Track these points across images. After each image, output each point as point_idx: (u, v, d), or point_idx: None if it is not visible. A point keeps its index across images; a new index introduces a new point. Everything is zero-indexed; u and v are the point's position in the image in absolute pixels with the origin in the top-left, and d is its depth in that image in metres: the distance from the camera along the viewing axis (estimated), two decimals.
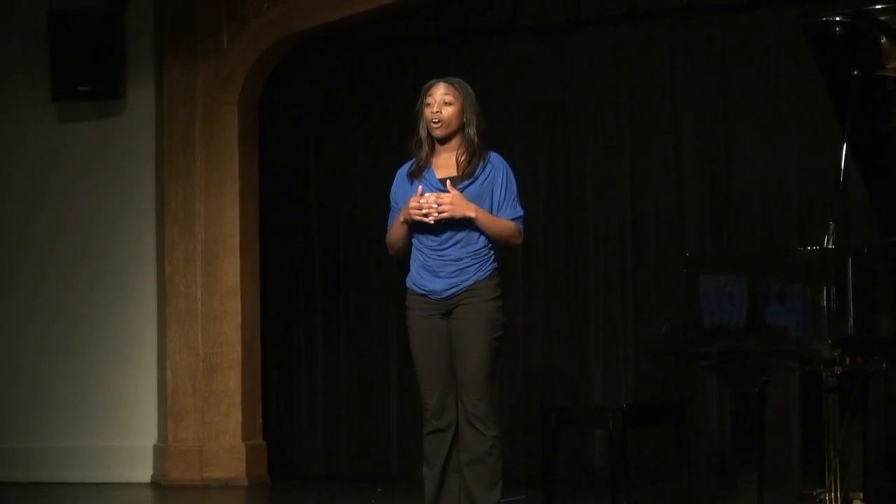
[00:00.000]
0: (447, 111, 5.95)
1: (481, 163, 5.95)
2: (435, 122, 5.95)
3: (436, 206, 5.84)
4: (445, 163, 6.00)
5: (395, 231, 6.03)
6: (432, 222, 5.86)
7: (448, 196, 5.86)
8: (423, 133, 6.02)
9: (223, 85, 9.09)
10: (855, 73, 6.04)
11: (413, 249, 6.02)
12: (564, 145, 8.73)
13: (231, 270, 9.03)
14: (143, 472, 9.22)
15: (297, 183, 9.33)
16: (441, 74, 6.16)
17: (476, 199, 5.92)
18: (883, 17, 5.96)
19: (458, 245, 5.92)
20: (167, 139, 9.18)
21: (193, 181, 9.10)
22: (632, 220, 8.52)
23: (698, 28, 8.45)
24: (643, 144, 8.54)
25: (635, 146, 8.55)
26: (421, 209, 5.85)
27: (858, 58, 6.04)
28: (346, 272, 9.18)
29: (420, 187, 5.91)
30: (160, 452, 9.14)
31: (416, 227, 5.94)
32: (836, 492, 6.28)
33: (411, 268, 6.03)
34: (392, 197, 6.09)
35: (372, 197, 8.79)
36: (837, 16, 5.98)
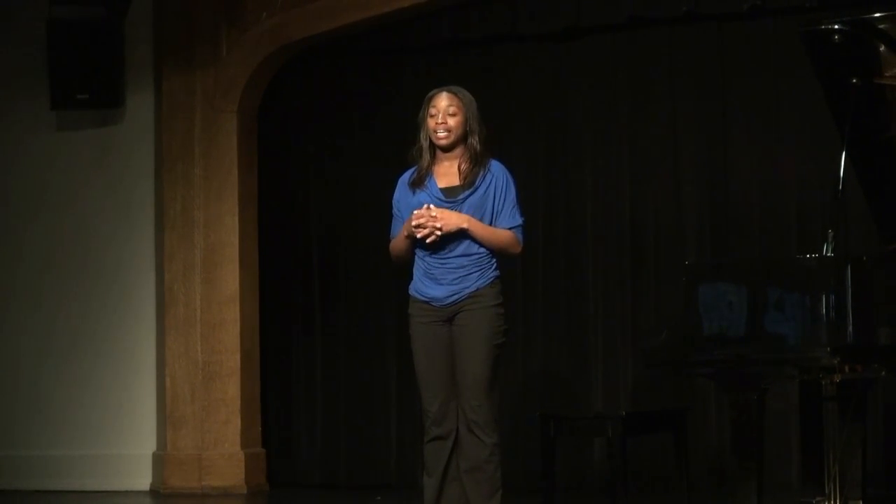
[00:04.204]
0: (452, 121, 5.98)
1: (482, 172, 5.97)
2: (440, 133, 5.96)
3: (431, 225, 5.86)
4: (447, 171, 6.02)
5: (399, 243, 6.06)
6: (429, 241, 5.89)
7: (437, 213, 5.88)
8: (424, 142, 6.03)
9: (222, 93, 9.09)
10: (854, 81, 6.04)
11: (415, 258, 6.04)
12: (563, 153, 8.73)
13: (230, 278, 9.03)
14: (143, 480, 9.22)
15: (296, 190, 9.33)
16: (440, 83, 6.18)
17: (477, 209, 5.94)
18: (882, 26, 5.96)
19: (460, 253, 5.93)
20: (166, 147, 9.18)
21: (192, 189, 9.10)
22: (631, 228, 8.53)
23: (697, 37, 8.46)
24: (642, 152, 8.55)
25: (634, 154, 8.56)
26: (422, 226, 5.87)
27: (857, 66, 6.04)
28: (345, 280, 9.19)
29: (415, 213, 5.93)
30: (159, 460, 9.13)
31: (419, 241, 5.96)
32: (835, 500, 6.28)
33: (414, 276, 6.05)
34: (395, 205, 6.12)
35: (371, 204, 8.80)
36: (836, 24, 5.98)
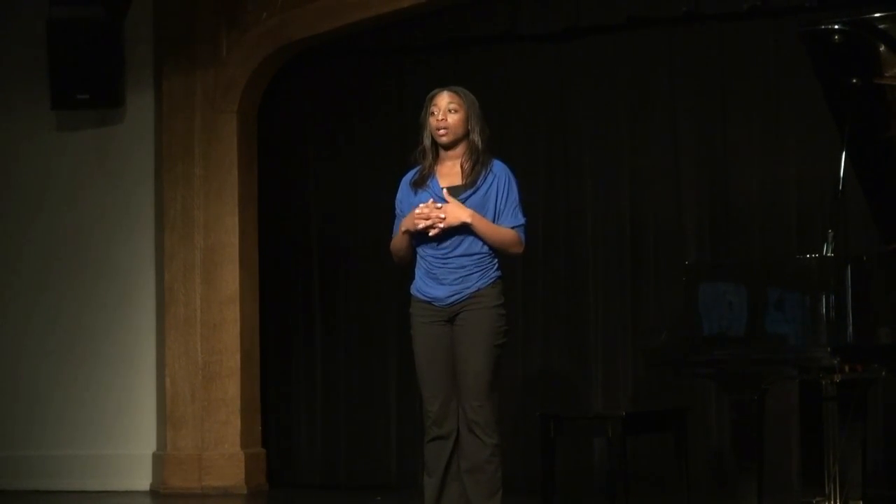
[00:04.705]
0: (452, 118, 5.99)
1: (484, 171, 5.98)
2: (440, 130, 5.97)
3: (435, 216, 5.86)
4: (449, 171, 6.03)
5: (398, 240, 6.06)
6: (432, 234, 5.89)
7: (444, 206, 5.89)
8: (426, 142, 6.05)
9: (222, 93, 9.09)
10: (853, 81, 6.05)
11: (417, 257, 6.05)
12: (563, 153, 8.74)
13: (230, 278, 9.03)
14: (142, 480, 9.22)
15: (296, 191, 9.33)
16: (440, 83, 6.19)
17: (478, 208, 5.95)
18: (881, 26, 5.96)
19: (462, 252, 5.94)
20: (166, 147, 9.18)
21: (192, 189, 9.10)
22: (631, 229, 8.53)
23: (697, 36, 8.46)
24: (642, 152, 8.55)
25: (634, 154, 8.56)
26: (426, 218, 5.87)
27: (857, 66, 6.04)
28: (346, 280, 9.19)
29: (421, 205, 5.94)
30: (159, 460, 9.13)
31: (419, 237, 5.96)
32: (835, 500, 6.29)
33: (416, 275, 6.06)
34: (397, 205, 6.12)
35: (371, 204, 8.81)
36: (836, 24, 5.98)
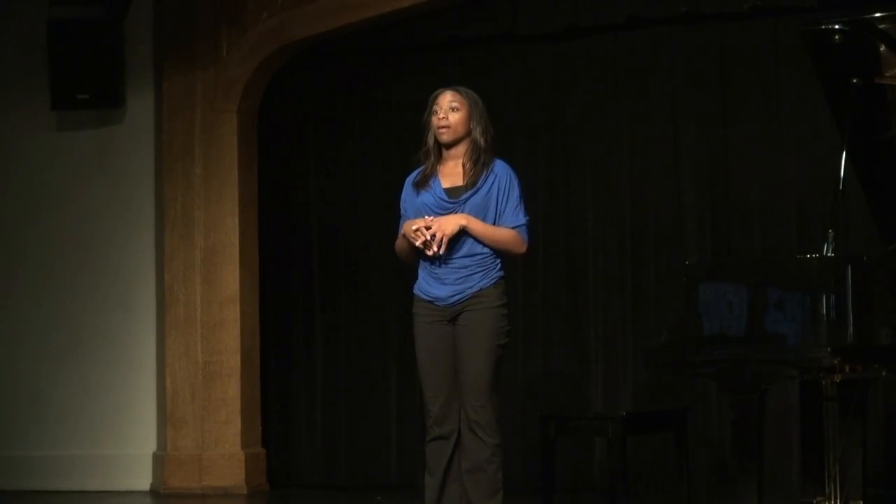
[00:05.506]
0: (454, 117, 5.99)
1: (485, 171, 5.98)
2: (442, 128, 5.98)
3: (431, 238, 5.86)
4: (451, 171, 6.03)
5: (403, 244, 6.06)
6: (432, 253, 5.89)
7: (433, 225, 5.87)
8: (430, 142, 6.05)
9: (223, 93, 9.09)
10: (854, 81, 6.05)
11: (420, 257, 6.04)
12: (563, 153, 8.74)
13: (230, 278, 9.03)
14: (143, 480, 9.22)
15: (296, 191, 9.33)
16: (440, 83, 6.19)
17: (479, 208, 5.94)
18: (882, 26, 5.97)
19: (464, 253, 5.94)
20: (166, 147, 9.18)
21: (193, 189, 9.10)
22: (631, 229, 8.54)
23: (697, 36, 8.46)
24: (642, 153, 8.55)
25: (634, 154, 8.56)
26: (423, 241, 5.88)
27: (857, 66, 6.05)
28: (346, 280, 9.18)
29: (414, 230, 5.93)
30: (159, 460, 9.13)
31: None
32: (835, 500, 6.29)
33: (419, 275, 6.06)
34: (401, 205, 6.13)
35: (371, 205, 8.81)
36: (837, 24, 5.99)
